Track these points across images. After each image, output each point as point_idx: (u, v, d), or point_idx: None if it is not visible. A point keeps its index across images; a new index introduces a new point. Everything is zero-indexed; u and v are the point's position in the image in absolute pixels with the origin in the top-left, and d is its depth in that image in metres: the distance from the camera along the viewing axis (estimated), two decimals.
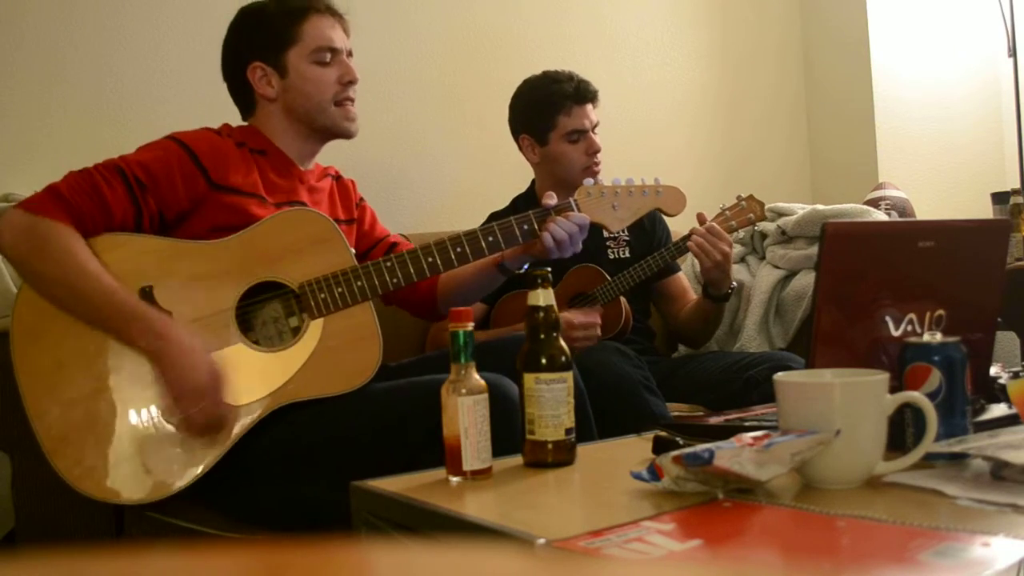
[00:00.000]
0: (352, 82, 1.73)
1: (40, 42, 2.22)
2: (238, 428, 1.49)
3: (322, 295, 1.57)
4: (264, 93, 1.71)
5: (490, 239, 1.66)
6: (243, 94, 1.75)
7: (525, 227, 1.68)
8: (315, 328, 1.57)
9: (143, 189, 1.53)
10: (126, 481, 1.44)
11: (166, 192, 1.55)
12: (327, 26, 1.72)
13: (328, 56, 1.71)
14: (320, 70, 1.70)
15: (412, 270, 1.63)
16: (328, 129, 1.74)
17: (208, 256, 1.56)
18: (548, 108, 2.29)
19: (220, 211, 1.58)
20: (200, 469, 1.46)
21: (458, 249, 1.64)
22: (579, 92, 2.30)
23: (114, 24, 2.31)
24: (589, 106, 2.31)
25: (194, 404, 1.44)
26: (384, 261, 1.62)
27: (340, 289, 1.58)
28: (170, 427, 1.47)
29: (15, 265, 1.53)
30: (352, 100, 1.74)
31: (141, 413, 1.47)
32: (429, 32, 2.77)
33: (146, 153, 1.58)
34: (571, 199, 1.74)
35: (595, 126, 2.31)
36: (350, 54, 1.76)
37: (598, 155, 2.29)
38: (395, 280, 1.61)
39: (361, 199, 1.90)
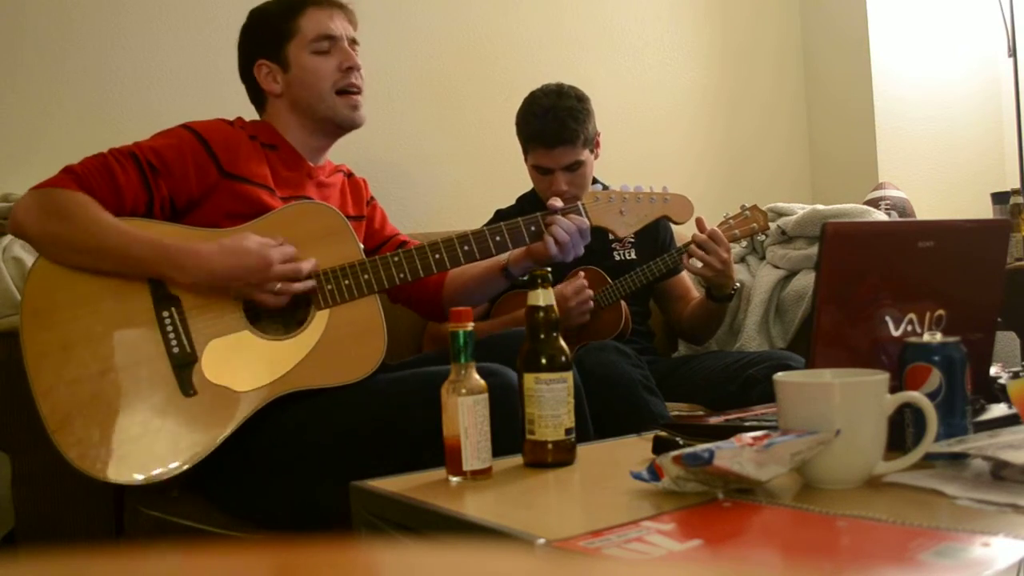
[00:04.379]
0: (352, 68, 1.74)
1: (40, 42, 2.22)
2: (241, 414, 1.50)
3: (329, 286, 1.59)
4: (270, 89, 1.74)
5: (497, 239, 1.68)
6: (254, 93, 1.78)
7: (532, 228, 1.70)
8: (321, 318, 1.59)
9: (156, 174, 1.56)
10: (126, 462, 1.45)
11: (178, 178, 1.58)
12: (324, 16, 1.74)
13: (326, 45, 1.73)
14: (319, 59, 1.72)
15: (419, 266, 1.65)
16: (331, 119, 1.75)
17: None
18: (521, 136, 2.29)
19: (231, 199, 1.60)
20: (201, 454, 1.47)
21: (465, 247, 1.66)
22: (546, 136, 2.19)
23: (114, 25, 2.31)
24: (560, 149, 2.19)
25: (259, 291, 1.51)
26: (392, 256, 1.64)
27: (347, 281, 1.60)
28: (172, 409, 1.48)
29: (36, 242, 1.54)
30: (356, 87, 1.75)
31: (145, 396, 1.48)
32: (429, 32, 2.77)
33: (160, 140, 1.61)
34: (579, 203, 1.75)
35: (570, 166, 2.21)
36: (353, 42, 1.77)
37: (563, 195, 2.16)
38: (402, 275, 1.63)
39: (372, 198, 1.93)
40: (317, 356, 1.56)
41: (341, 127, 1.77)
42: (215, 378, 1.51)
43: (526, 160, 2.32)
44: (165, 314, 1.52)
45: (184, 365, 1.50)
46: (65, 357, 1.47)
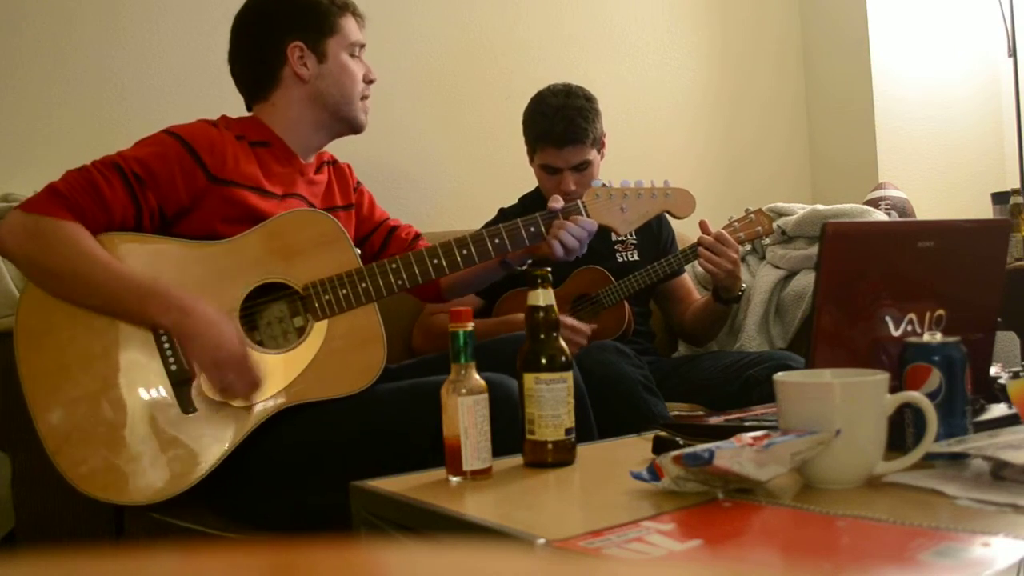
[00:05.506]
0: (373, 81, 1.80)
1: (40, 42, 2.22)
2: (242, 430, 1.49)
3: (327, 296, 1.58)
4: (299, 73, 1.71)
5: (496, 242, 1.68)
6: (268, 72, 1.72)
7: (532, 230, 1.70)
8: (319, 330, 1.57)
9: (142, 185, 1.53)
10: (128, 482, 1.44)
11: (165, 188, 1.54)
12: (357, 25, 1.79)
13: (357, 51, 1.77)
14: (353, 63, 1.76)
15: (418, 272, 1.64)
16: (348, 120, 1.77)
17: (213, 256, 1.56)
18: (529, 135, 2.29)
19: (221, 204, 1.57)
20: (203, 471, 1.46)
21: (464, 252, 1.66)
22: (556, 136, 2.20)
23: (113, 24, 2.31)
24: (569, 148, 2.20)
25: (229, 372, 1.46)
26: (389, 263, 1.63)
27: (345, 291, 1.58)
28: (173, 428, 1.47)
29: (21, 266, 1.52)
30: (368, 97, 1.80)
31: (144, 414, 1.47)
32: (429, 32, 2.77)
33: (144, 149, 1.57)
34: (579, 201, 1.75)
35: (578, 165, 2.22)
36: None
37: (571, 194, 2.18)
38: (400, 282, 1.62)
39: (358, 183, 1.91)
40: (316, 368, 1.55)
41: (353, 130, 1.80)
42: (214, 394, 1.49)
43: (531, 160, 2.31)
44: (162, 332, 1.49)
45: (183, 382, 1.48)
46: (62, 378, 1.45)
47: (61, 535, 1.67)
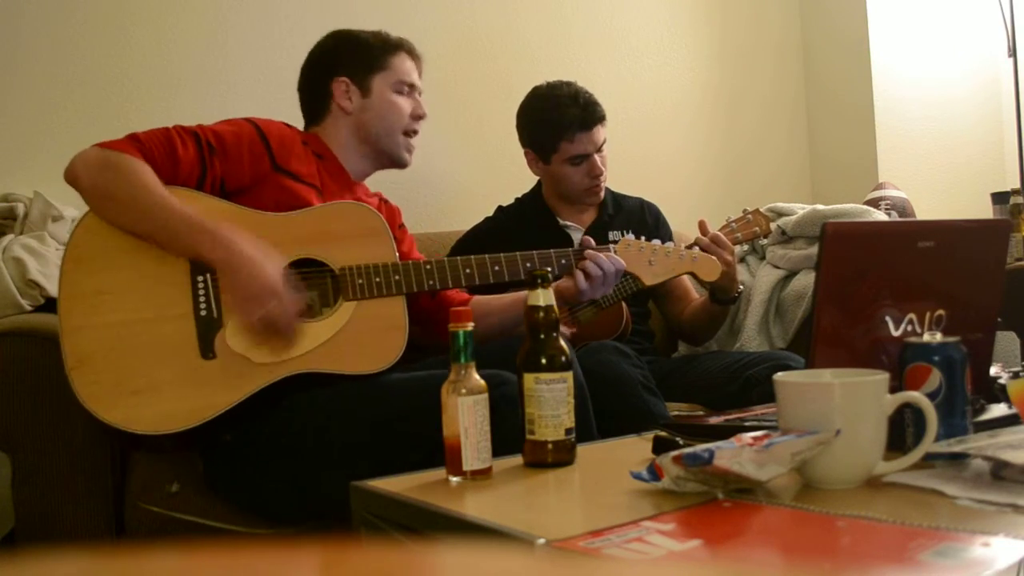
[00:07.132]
0: (422, 117, 1.90)
1: (42, 41, 2.22)
2: (253, 385, 1.53)
3: (360, 280, 1.64)
4: (343, 106, 1.85)
5: (528, 265, 1.76)
6: (317, 102, 1.88)
7: (563, 261, 1.81)
8: (347, 309, 1.64)
9: (212, 153, 1.64)
10: (135, 410, 1.48)
11: (233, 161, 1.65)
12: (411, 65, 1.91)
13: (406, 89, 1.88)
14: (399, 99, 1.87)
15: (449, 276, 1.72)
16: (388, 154, 1.88)
17: (263, 224, 1.63)
18: (551, 132, 2.27)
19: (278, 192, 1.66)
20: (206, 415, 1.50)
21: (496, 268, 1.74)
22: (584, 118, 2.23)
23: (117, 24, 2.31)
24: (596, 128, 2.25)
25: (258, 308, 1.52)
26: (424, 264, 1.70)
27: (378, 279, 1.65)
28: (188, 369, 1.52)
29: (87, 193, 1.59)
30: (416, 133, 1.91)
31: (165, 350, 1.52)
32: (429, 32, 2.76)
33: (222, 125, 1.70)
34: (611, 246, 1.84)
35: (601, 146, 2.27)
36: (420, 94, 1.92)
37: (601, 177, 2.28)
38: (431, 282, 1.70)
39: (402, 224, 2.00)
40: (337, 342, 1.60)
41: (394, 164, 1.91)
42: (236, 347, 1.55)
43: (549, 161, 2.29)
44: (199, 278, 1.57)
45: (209, 329, 1.55)
46: (97, 302, 1.52)
47: (61, 535, 1.67)
